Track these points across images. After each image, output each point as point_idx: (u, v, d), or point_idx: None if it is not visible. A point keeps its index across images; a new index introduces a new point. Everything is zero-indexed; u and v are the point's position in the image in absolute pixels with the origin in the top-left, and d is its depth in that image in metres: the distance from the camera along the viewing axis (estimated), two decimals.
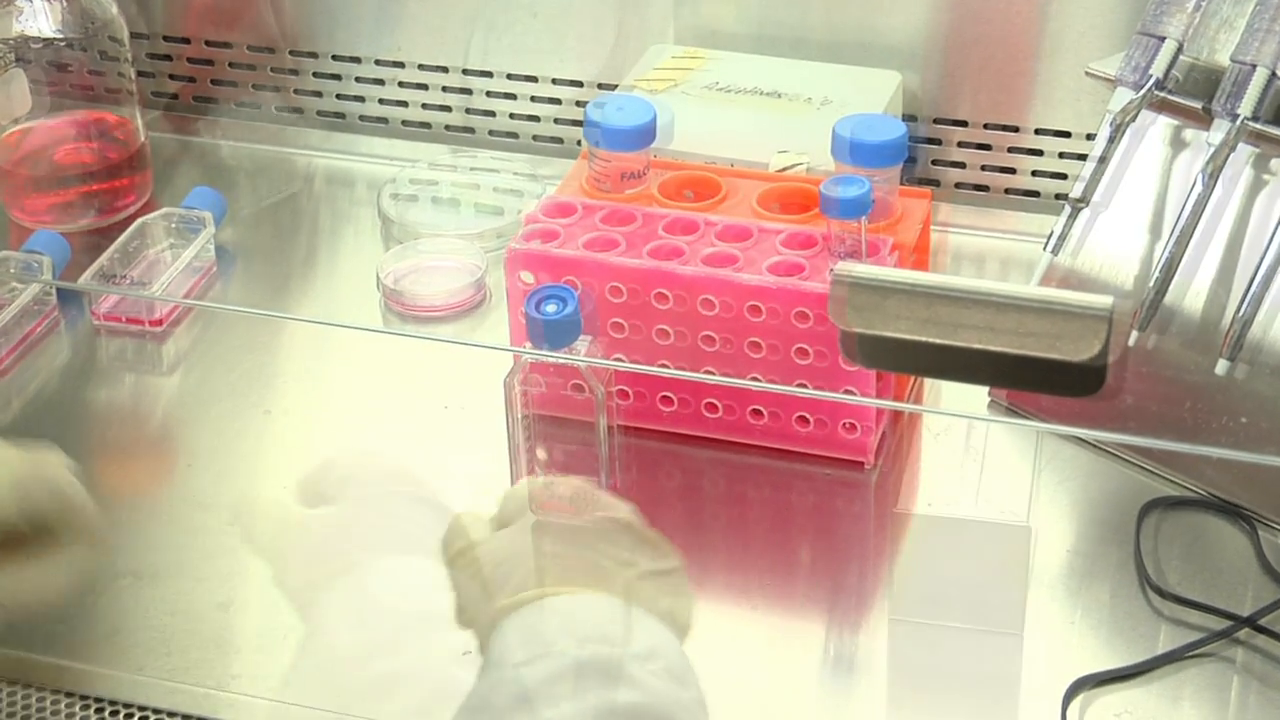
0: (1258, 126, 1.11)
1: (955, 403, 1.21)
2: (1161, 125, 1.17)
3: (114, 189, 1.40)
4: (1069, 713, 0.97)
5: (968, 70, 1.36)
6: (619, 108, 1.18)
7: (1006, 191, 1.39)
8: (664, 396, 1.16)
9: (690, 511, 1.14)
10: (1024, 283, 1.22)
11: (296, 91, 1.53)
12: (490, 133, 1.50)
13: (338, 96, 1.52)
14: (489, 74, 1.48)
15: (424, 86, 1.50)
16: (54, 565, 0.89)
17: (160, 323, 1.29)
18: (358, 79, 1.51)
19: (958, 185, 1.39)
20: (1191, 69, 1.16)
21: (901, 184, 1.17)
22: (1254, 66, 1.11)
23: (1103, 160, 1.17)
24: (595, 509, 0.86)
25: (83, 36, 1.37)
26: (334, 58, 1.51)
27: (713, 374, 1.14)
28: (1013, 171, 1.38)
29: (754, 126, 1.31)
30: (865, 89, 1.33)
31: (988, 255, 1.36)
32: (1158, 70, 1.15)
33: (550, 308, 1.04)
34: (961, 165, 1.39)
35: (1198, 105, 1.15)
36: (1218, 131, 1.12)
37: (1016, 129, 1.37)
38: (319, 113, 1.53)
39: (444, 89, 1.49)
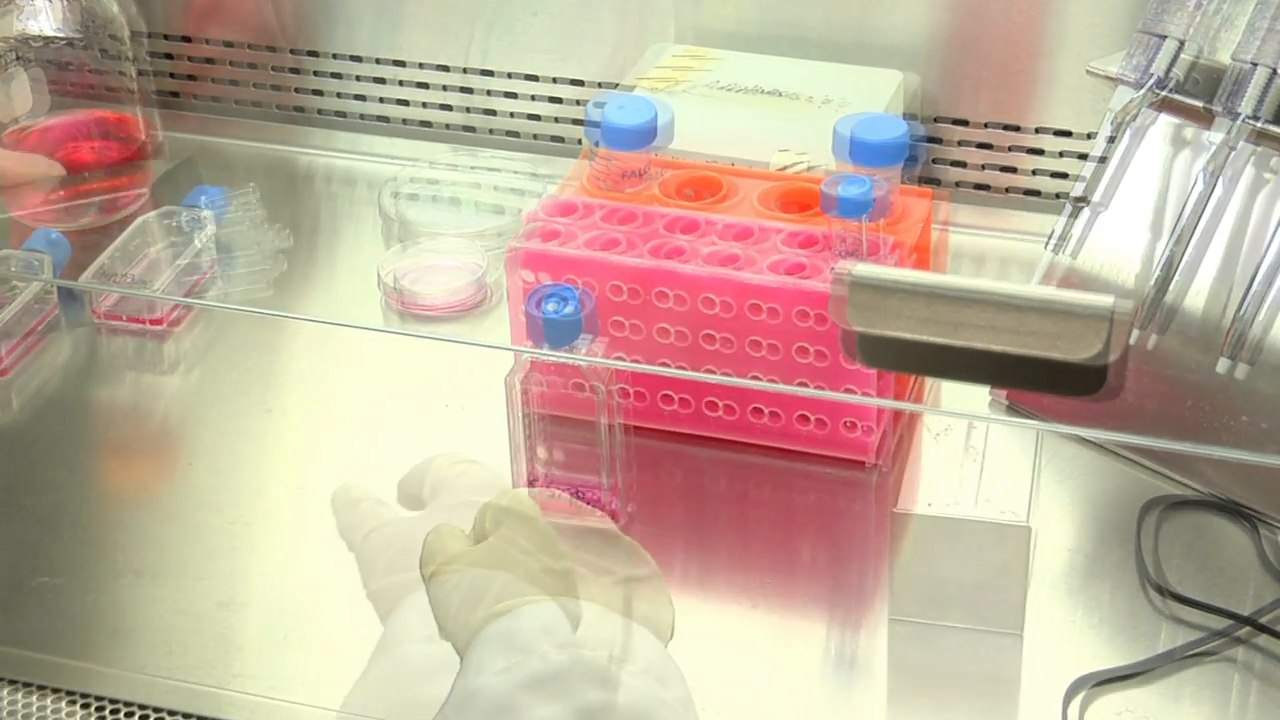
0: (1259, 125, 1.11)
1: (955, 402, 1.21)
2: (1163, 124, 1.17)
3: (114, 187, 1.40)
4: (1069, 712, 0.97)
5: (969, 69, 1.36)
6: (620, 107, 1.18)
7: (1007, 190, 1.39)
8: (665, 395, 1.16)
9: (691, 510, 1.14)
10: (1025, 282, 1.22)
11: (298, 90, 1.53)
12: (491, 132, 1.50)
13: (339, 95, 1.52)
14: (490, 73, 1.48)
15: (425, 85, 1.50)
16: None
17: (161, 321, 1.29)
18: (359, 78, 1.51)
19: (959, 184, 1.39)
20: (1192, 68, 1.16)
21: (902, 183, 1.17)
22: (1255, 65, 1.11)
23: (1104, 159, 1.17)
24: (571, 518, 0.86)
25: (83, 35, 1.37)
26: (335, 56, 1.51)
27: (714, 373, 1.14)
28: (1014, 170, 1.38)
29: (755, 125, 1.30)
30: (866, 88, 1.33)
31: (989, 254, 1.36)
32: (1159, 69, 1.15)
33: (551, 306, 1.04)
34: (962, 164, 1.39)
35: (1199, 104, 1.15)
36: (1219, 130, 1.12)
37: (1017, 128, 1.37)
38: (320, 111, 1.53)
39: (445, 88, 1.49)
